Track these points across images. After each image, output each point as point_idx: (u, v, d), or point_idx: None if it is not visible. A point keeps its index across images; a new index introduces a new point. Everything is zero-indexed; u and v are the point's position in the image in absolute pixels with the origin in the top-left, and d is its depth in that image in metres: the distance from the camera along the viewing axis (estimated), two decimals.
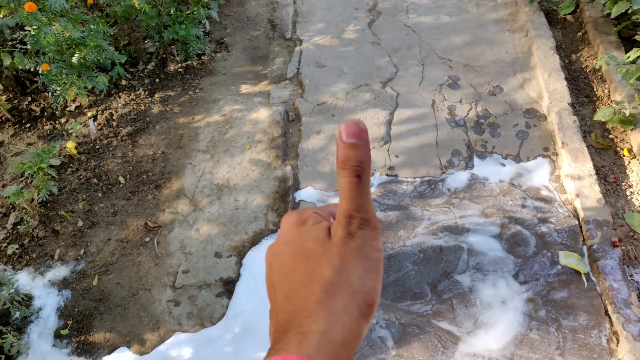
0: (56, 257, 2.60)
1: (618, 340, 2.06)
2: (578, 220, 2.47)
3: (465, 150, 2.84)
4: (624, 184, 2.59)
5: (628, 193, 2.55)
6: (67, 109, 3.29)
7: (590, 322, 2.14)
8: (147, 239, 2.62)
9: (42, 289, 2.50)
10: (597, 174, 2.59)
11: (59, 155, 2.99)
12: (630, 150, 2.71)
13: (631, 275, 2.24)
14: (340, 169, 0.43)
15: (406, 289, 2.31)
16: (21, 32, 3.01)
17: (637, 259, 2.29)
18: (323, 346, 0.39)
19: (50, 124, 3.22)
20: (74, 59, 2.95)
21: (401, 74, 3.31)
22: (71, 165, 2.98)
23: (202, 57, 3.56)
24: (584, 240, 2.40)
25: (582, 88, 3.10)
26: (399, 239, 2.49)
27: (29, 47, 2.86)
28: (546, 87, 3.01)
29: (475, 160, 2.79)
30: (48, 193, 2.77)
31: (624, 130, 2.76)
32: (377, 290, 0.44)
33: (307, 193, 2.74)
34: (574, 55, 3.29)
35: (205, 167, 2.90)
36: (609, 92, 3.01)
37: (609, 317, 2.13)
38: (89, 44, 2.95)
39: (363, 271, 0.43)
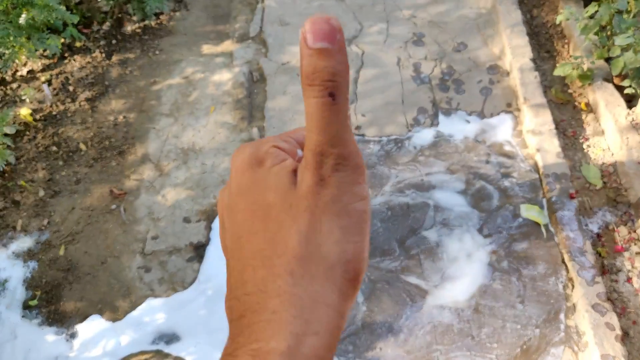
0: (18, 228, 2.54)
1: (573, 286, 2.19)
2: (538, 174, 2.56)
3: (431, 107, 2.87)
4: (581, 137, 2.69)
5: (585, 146, 2.65)
6: (19, 73, 3.14)
7: (548, 270, 2.26)
8: (113, 206, 2.58)
9: (6, 261, 2.45)
10: (556, 128, 2.67)
11: (14, 123, 2.87)
12: (587, 105, 2.79)
13: (586, 225, 2.36)
14: (307, 86, 0.31)
15: (375, 246, 2.37)
16: None
17: (592, 209, 2.41)
18: None
19: (1, 90, 3.07)
20: (21, 20, 2.78)
21: (366, 31, 3.27)
22: (27, 132, 2.87)
23: (160, 17, 3.42)
24: (543, 193, 2.50)
25: (543, 43, 3.14)
26: None
27: None
28: (509, 43, 3.04)
29: (441, 117, 2.82)
30: (5, 163, 2.66)
31: (582, 85, 2.83)
32: (361, 256, 0.33)
33: None
34: (535, 10, 3.32)
35: (169, 131, 2.84)
36: (569, 47, 3.06)
37: (566, 265, 2.25)
38: (37, 3, 2.79)
39: (341, 233, 0.32)
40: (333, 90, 0.31)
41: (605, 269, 2.23)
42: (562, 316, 2.13)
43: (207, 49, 3.26)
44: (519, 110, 2.83)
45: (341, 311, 0.32)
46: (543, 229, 2.37)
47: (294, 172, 0.34)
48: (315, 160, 0.32)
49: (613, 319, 2.03)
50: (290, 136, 0.39)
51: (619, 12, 2.54)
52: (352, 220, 0.33)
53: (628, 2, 2.48)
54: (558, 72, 2.76)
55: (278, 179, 0.34)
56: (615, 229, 2.33)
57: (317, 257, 0.32)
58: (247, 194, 0.35)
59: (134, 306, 2.29)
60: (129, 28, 3.34)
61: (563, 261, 2.27)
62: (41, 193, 2.64)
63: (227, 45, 3.27)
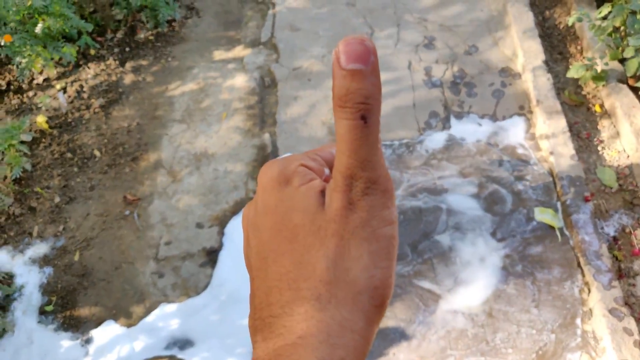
0: (35, 234, 2.57)
1: (589, 290, 2.15)
2: (552, 176, 2.54)
3: (443, 111, 2.86)
4: (595, 139, 2.65)
5: (599, 148, 2.62)
6: (35, 81, 3.19)
7: (563, 274, 2.23)
8: (127, 212, 2.61)
9: (23, 266, 2.48)
10: (570, 130, 2.64)
11: (30, 131, 2.91)
12: (601, 106, 2.76)
13: (602, 228, 2.33)
14: (339, 108, 0.31)
15: None
16: None
17: (608, 212, 2.38)
18: None
19: (18, 98, 3.12)
20: (38, 29, 2.84)
21: (377, 35, 3.27)
22: (43, 140, 2.91)
23: (173, 24, 3.45)
24: (558, 196, 2.47)
25: (555, 45, 3.12)
26: None
27: None
28: (521, 45, 3.02)
29: (453, 120, 2.81)
30: (21, 170, 2.71)
31: (596, 87, 2.80)
32: (388, 282, 0.33)
33: None
34: (547, 12, 3.30)
35: (182, 137, 2.87)
36: (582, 48, 3.03)
37: (581, 269, 2.22)
38: (53, 13, 2.84)
39: (369, 259, 0.32)
40: (365, 113, 0.31)
41: (622, 273, 2.19)
42: (578, 321, 2.10)
43: (218, 55, 3.28)
44: (531, 112, 2.80)
45: (367, 337, 0.32)
46: (558, 233, 2.34)
47: (322, 192, 0.34)
48: (345, 183, 0.32)
49: (631, 323, 2.00)
50: (317, 154, 0.39)
51: (633, 13, 2.51)
52: (381, 245, 0.33)
53: None
54: (571, 73, 2.73)
55: (306, 200, 0.34)
56: (632, 231, 2.30)
57: (345, 282, 0.32)
58: (273, 213, 0.35)
59: (147, 311, 2.31)
60: (142, 35, 3.38)
61: (579, 265, 2.24)
62: (57, 199, 2.68)
63: (239, 51, 3.29)
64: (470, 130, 2.76)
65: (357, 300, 0.32)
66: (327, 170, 0.38)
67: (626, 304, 2.06)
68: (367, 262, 0.32)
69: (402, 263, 2.33)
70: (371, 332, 0.32)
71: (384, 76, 3.04)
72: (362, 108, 0.31)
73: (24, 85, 3.17)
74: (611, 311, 2.02)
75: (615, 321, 2.00)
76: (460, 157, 2.66)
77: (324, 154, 0.39)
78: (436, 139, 2.74)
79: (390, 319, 2.17)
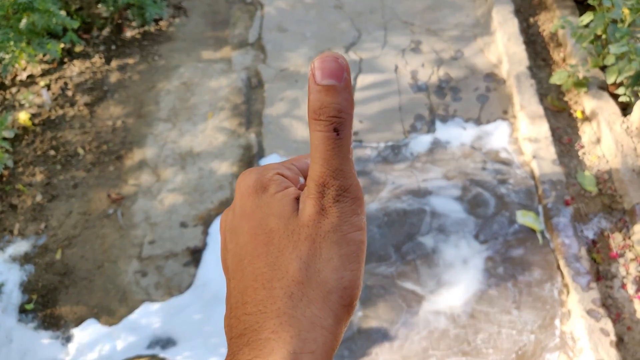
0: (15, 232, 2.54)
1: (568, 292, 2.19)
2: (534, 180, 2.58)
3: (428, 114, 2.89)
4: (576, 144, 2.70)
5: (580, 154, 2.67)
6: (18, 78, 3.15)
7: (544, 276, 2.27)
8: (111, 211, 2.59)
9: (3, 264, 2.45)
10: (552, 135, 2.69)
11: (12, 127, 2.88)
12: (583, 112, 2.81)
13: (581, 231, 2.37)
14: (313, 120, 0.34)
15: (371, 252, 2.38)
16: None
17: (587, 215, 2.42)
18: None
19: (0, 94, 3.08)
20: (22, 25, 2.80)
21: (364, 38, 3.30)
22: (26, 137, 2.88)
23: (160, 23, 3.44)
24: (539, 199, 2.51)
25: (539, 52, 3.17)
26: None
27: None
28: (505, 51, 3.07)
29: (438, 124, 2.84)
30: (3, 167, 2.67)
31: (578, 93, 2.86)
32: (357, 283, 0.35)
33: (272, 160, 2.74)
34: (531, 19, 3.35)
35: (167, 136, 2.86)
36: (564, 55, 3.09)
37: (561, 271, 2.26)
38: (38, 9, 2.81)
39: (339, 261, 0.34)
40: (338, 125, 0.33)
41: (600, 275, 2.24)
42: (557, 322, 2.14)
43: (205, 55, 3.28)
44: (515, 117, 2.85)
45: (336, 334, 0.34)
46: (539, 235, 2.38)
47: (296, 199, 0.36)
48: (318, 191, 0.35)
49: (608, 324, 2.04)
50: (293, 164, 0.41)
51: (614, 22, 2.57)
52: (350, 249, 0.35)
53: (622, 12, 2.51)
54: (554, 80, 2.78)
55: (281, 206, 0.36)
56: (610, 235, 2.34)
57: (316, 283, 0.34)
58: (250, 218, 0.37)
59: (130, 310, 2.29)
60: (128, 34, 3.37)
61: (558, 267, 2.28)
62: (39, 197, 2.64)
63: (226, 52, 3.29)
64: (454, 134, 2.79)
65: (327, 299, 0.34)
66: (302, 179, 0.40)
67: (603, 305, 2.11)
68: (337, 264, 0.34)
69: (385, 264, 2.34)
70: (340, 329, 0.34)
71: (371, 79, 3.07)
72: (335, 121, 0.33)
73: (6, 82, 3.13)
74: (589, 312, 2.06)
75: (592, 322, 2.04)
76: (444, 160, 2.69)
77: (299, 164, 0.41)
78: (421, 142, 2.77)
79: (374, 320, 2.19)
